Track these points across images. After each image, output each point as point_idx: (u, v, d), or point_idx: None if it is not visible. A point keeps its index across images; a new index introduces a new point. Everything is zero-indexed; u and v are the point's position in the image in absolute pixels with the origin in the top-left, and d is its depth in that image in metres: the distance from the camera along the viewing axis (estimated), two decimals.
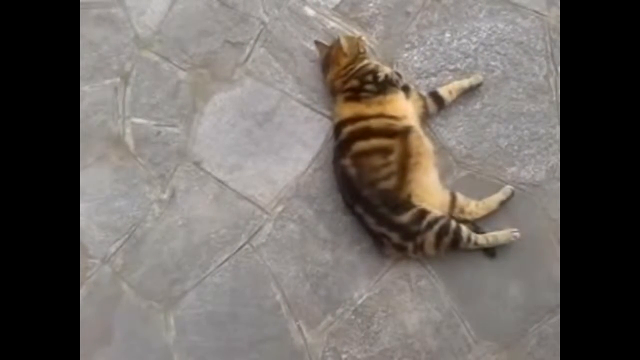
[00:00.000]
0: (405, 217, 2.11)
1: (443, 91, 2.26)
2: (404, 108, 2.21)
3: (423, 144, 2.18)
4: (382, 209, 2.13)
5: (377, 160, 2.15)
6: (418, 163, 2.15)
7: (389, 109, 2.19)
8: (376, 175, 2.14)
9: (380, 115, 2.18)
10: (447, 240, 2.11)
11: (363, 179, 2.15)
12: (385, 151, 2.15)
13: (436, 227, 2.10)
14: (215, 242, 2.29)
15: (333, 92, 2.29)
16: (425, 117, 2.26)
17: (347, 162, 2.17)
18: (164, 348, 2.25)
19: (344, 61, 2.25)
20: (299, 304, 2.24)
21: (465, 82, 2.27)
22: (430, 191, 2.16)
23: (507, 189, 2.19)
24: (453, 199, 2.16)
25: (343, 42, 2.25)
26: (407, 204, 2.12)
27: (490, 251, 2.16)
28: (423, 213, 2.11)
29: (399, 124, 2.17)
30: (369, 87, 2.21)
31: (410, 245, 2.13)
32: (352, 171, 2.16)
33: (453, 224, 2.11)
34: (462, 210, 2.16)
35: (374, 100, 2.20)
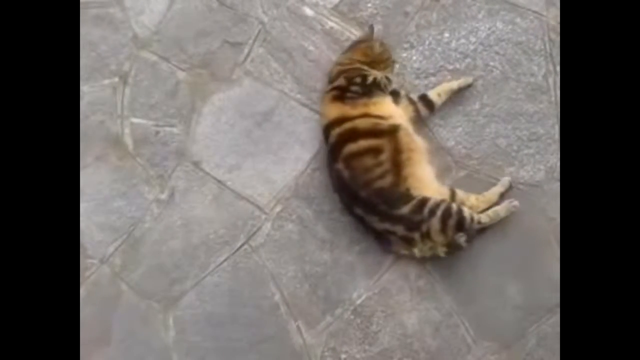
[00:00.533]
0: (406, 209, 2.10)
1: (432, 94, 2.25)
2: (390, 110, 2.21)
3: (414, 140, 2.18)
4: (381, 206, 2.13)
5: (368, 161, 2.15)
6: (410, 158, 2.15)
7: (374, 110, 2.19)
8: (370, 175, 2.14)
9: (365, 115, 2.18)
10: (452, 222, 2.09)
11: (357, 180, 2.15)
12: (375, 151, 2.15)
13: (439, 212, 2.08)
14: (214, 242, 2.29)
15: (329, 75, 2.30)
16: (418, 121, 2.25)
17: (340, 165, 2.17)
18: (163, 348, 2.25)
19: (357, 57, 2.26)
20: (297, 304, 2.24)
21: (454, 84, 2.27)
22: (427, 184, 2.15)
23: (505, 180, 2.20)
24: (452, 194, 2.16)
25: (376, 45, 2.25)
26: (406, 197, 2.12)
27: None
28: (423, 201, 2.10)
29: (385, 123, 2.17)
30: (354, 88, 2.20)
31: (416, 235, 2.12)
32: (346, 174, 2.16)
33: (454, 206, 2.10)
34: (462, 205, 2.15)
35: (359, 102, 2.19)
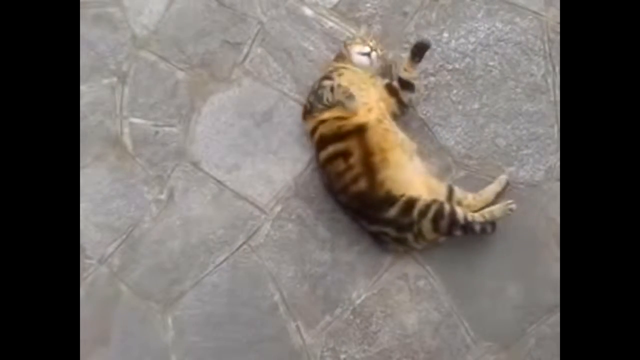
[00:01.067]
0: (393, 212, 2.09)
1: (401, 73, 2.19)
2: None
3: (387, 139, 2.13)
4: (366, 210, 2.13)
5: (339, 166, 2.13)
6: (385, 160, 2.10)
7: (328, 114, 2.15)
8: (343, 180, 2.13)
9: (323, 121, 2.17)
10: (444, 223, 2.07)
11: (334, 186, 2.16)
12: (344, 155, 2.12)
13: (430, 214, 2.07)
14: (213, 243, 2.29)
15: None
16: (404, 109, 2.22)
17: (321, 171, 2.20)
18: (162, 348, 2.25)
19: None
20: (297, 304, 2.24)
21: (405, 55, 2.21)
22: (411, 184, 2.11)
23: (502, 178, 2.19)
24: (450, 192, 2.15)
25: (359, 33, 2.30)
26: (389, 200, 2.09)
27: (491, 225, 2.13)
28: (411, 202, 2.08)
29: (349, 123, 2.13)
30: (310, 97, 2.22)
31: (409, 236, 2.11)
32: (325, 180, 2.19)
33: (447, 207, 2.08)
34: (459, 204, 2.14)
35: (314, 113, 2.19)
